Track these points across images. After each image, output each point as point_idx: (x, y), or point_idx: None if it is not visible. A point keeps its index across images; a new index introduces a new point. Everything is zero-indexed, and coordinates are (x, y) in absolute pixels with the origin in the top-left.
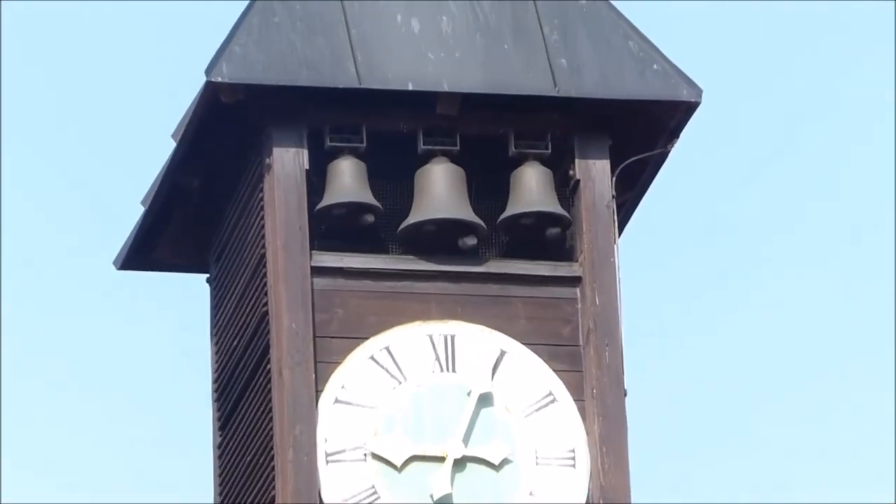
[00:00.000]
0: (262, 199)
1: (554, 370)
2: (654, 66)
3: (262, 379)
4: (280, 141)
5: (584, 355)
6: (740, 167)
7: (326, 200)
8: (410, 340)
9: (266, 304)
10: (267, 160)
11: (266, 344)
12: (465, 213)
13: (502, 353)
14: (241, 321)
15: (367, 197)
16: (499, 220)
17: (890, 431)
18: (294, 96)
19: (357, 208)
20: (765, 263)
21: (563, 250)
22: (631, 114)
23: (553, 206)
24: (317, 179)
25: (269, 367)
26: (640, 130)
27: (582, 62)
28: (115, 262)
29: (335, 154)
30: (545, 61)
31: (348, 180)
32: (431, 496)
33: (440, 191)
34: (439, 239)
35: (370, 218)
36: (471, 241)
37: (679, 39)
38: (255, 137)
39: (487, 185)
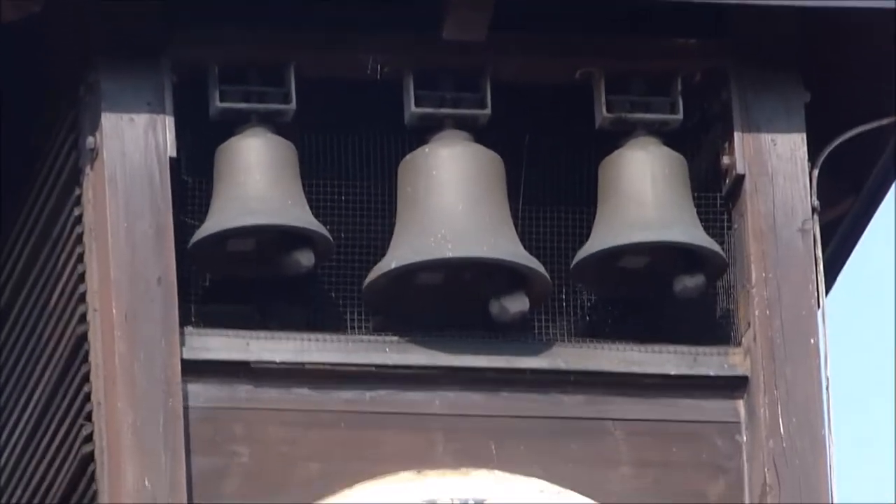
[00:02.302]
0: (79, 222)
1: None
2: None
3: None
4: (116, 99)
5: None
6: None
7: (214, 224)
8: None
9: (90, 437)
10: (89, 139)
11: None
12: (506, 247)
13: None
14: (40, 470)
15: (301, 215)
16: (574, 261)
17: None
18: (148, 4)
19: (278, 239)
20: None
21: (709, 323)
22: (845, 39)
23: (689, 230)
24: (194, 179)
25: None
26: (865, 74)
27: None
28: None
29: (232, 124)
30: None
31: (259, 180)
32: None
33: (451, 200)
34: (452, 301)
35: (305, 259)
36: (517, 304)
37: None
38: (64, 92)
39: (551, 188)
